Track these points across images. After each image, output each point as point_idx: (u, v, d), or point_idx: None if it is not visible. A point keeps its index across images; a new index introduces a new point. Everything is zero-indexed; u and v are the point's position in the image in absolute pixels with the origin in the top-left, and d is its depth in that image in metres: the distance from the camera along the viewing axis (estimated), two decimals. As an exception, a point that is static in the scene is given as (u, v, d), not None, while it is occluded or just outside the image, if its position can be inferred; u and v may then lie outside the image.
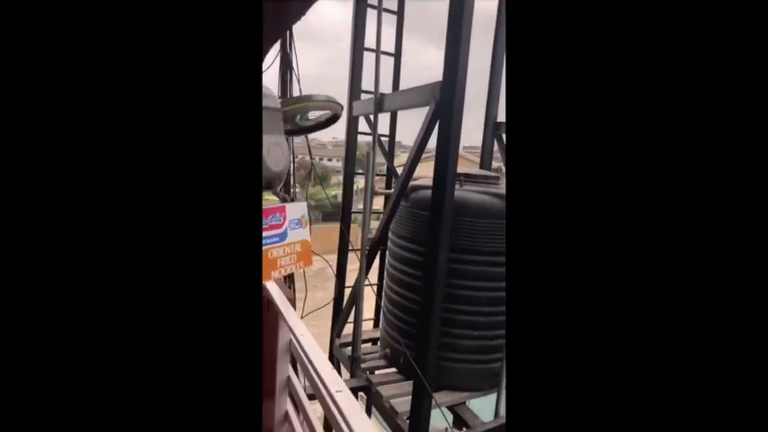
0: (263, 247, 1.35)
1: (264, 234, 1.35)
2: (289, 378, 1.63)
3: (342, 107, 1.68)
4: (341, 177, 2.79)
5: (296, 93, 2.21)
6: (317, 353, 1.28)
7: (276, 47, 2.31)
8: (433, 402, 2.14)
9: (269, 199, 1.45)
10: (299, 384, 1.63)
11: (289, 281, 2.52)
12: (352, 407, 1.01)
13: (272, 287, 1.82)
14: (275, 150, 1.36)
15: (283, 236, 1.41)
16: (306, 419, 1.42)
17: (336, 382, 1.12)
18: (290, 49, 2.28)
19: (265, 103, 1.39)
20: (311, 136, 2.33)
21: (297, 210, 1.44)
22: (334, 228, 2.55)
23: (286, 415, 1.64)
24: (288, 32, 2.27)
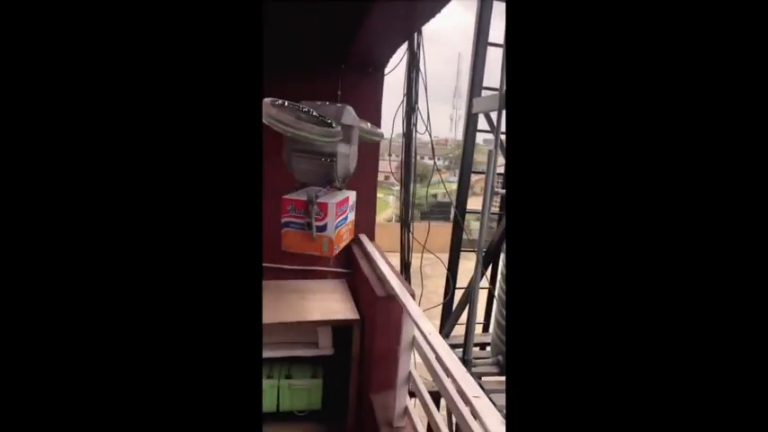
0: (341, 227, 1.80)
1: (341, 218, 1.80)
2: (410, 373, 1.66)
3: (382, 137, 1.94)
4: (442, 176, 2.75)
5: (421, 93, 2.23)
6: (449, 354, 1.27)
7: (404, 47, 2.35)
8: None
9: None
10: (420, 380, 1.64)
11: (404, 275, 2.57)
12: (492, 416, 0.97)
13: (395, 281, 1.87)
14: (352, 157, 1.81)
15: (347, 218, 1.85)
16: (429, 416, 1.42)
17: (473, 387, 1.10)
18: (418, 48, 2.29)
19: (351, 122, 1.75)
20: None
21: (353, 197, 1.90)
22: (427, 226, 2.54)
23: (405, 410, 1.66)
24: (417, 33, 2.29)
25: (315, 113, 1.65)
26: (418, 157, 2.46)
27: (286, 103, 1.57)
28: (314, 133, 1.51)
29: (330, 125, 1.63)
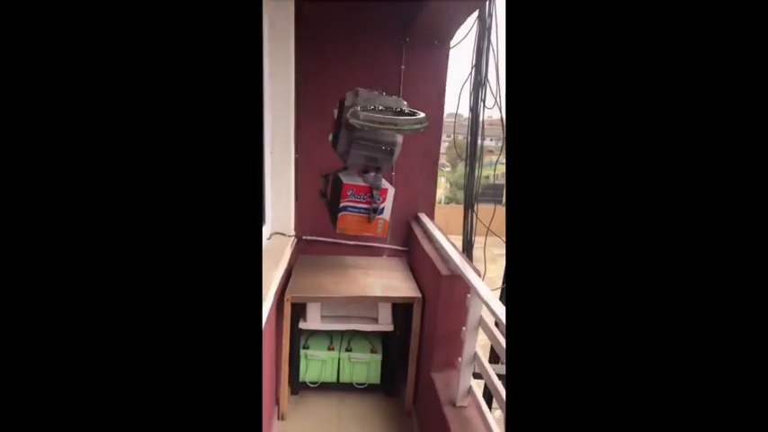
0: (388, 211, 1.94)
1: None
2: (475, 354, 1.63)
3: (425, 125, 1.73)
4: (493, 157, 2.64)
5: (491, 65, 2.11)
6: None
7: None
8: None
9: None
10: (486, 360, 1.61)
11: (467, 256, 2.51)
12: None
13: (459, 260, 1.83)
14: (399, 148, 1.86)
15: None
16: (498, 398, 1.39)
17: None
18: (490, 15, 2.15)
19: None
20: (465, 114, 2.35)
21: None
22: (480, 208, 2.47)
23: (469, 390, 1.64)
24: (489, 1, 2.15)
25: (382, 107, 1.71)
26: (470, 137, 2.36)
27: (359, 108, 1.62)
28: (414, 124, 1.60)
29: (409, 113, 1.67)
